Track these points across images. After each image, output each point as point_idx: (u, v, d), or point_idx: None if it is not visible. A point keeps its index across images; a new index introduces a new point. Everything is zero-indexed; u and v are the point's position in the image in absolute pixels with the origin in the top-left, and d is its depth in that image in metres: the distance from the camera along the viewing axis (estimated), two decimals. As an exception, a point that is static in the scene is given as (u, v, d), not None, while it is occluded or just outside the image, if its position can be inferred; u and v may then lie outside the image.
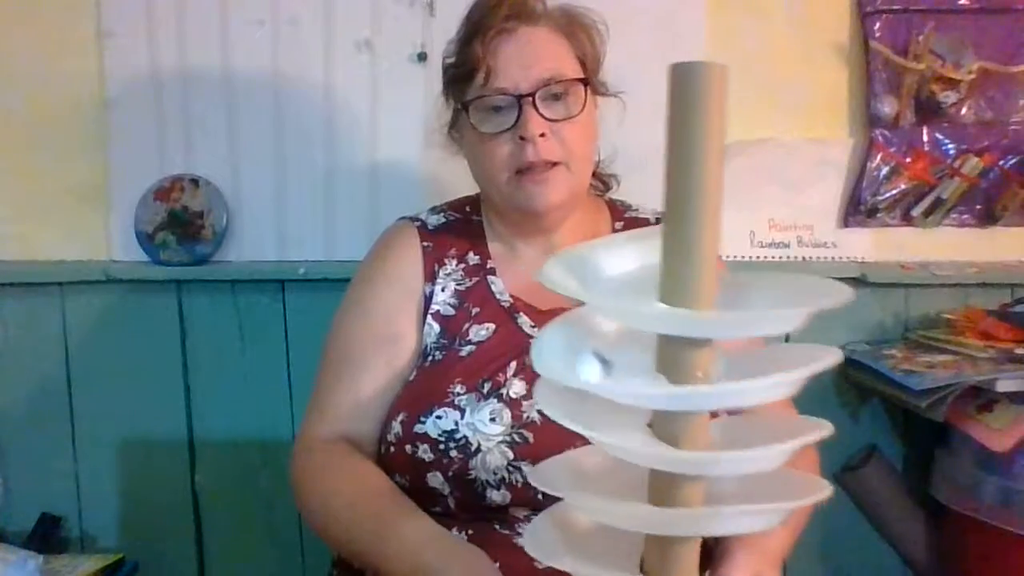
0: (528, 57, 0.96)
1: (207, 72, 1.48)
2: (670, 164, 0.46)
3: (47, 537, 1.49)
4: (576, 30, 1.01)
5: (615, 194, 1.16)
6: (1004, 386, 1.18)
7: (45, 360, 1.51)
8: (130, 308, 1.50)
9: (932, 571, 1.44)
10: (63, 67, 1.49)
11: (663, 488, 0.53)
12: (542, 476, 0.57)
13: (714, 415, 0.53)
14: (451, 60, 1.03)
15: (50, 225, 1.52)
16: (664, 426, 0.52)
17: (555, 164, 0.96)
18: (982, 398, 1.23)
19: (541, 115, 0.95)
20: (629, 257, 0.56)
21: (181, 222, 1.47)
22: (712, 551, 0.78)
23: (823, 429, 0.51)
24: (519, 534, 0.89)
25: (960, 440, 1.29)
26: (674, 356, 0.50)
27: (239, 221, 1.50)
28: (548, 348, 0.53)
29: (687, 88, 0.45)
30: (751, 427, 0.58)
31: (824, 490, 0.54)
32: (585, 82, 0.99)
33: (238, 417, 1.50)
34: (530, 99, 0.94)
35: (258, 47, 1.47)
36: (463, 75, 0.99)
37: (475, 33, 0.98)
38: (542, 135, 0.95)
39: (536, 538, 0.59)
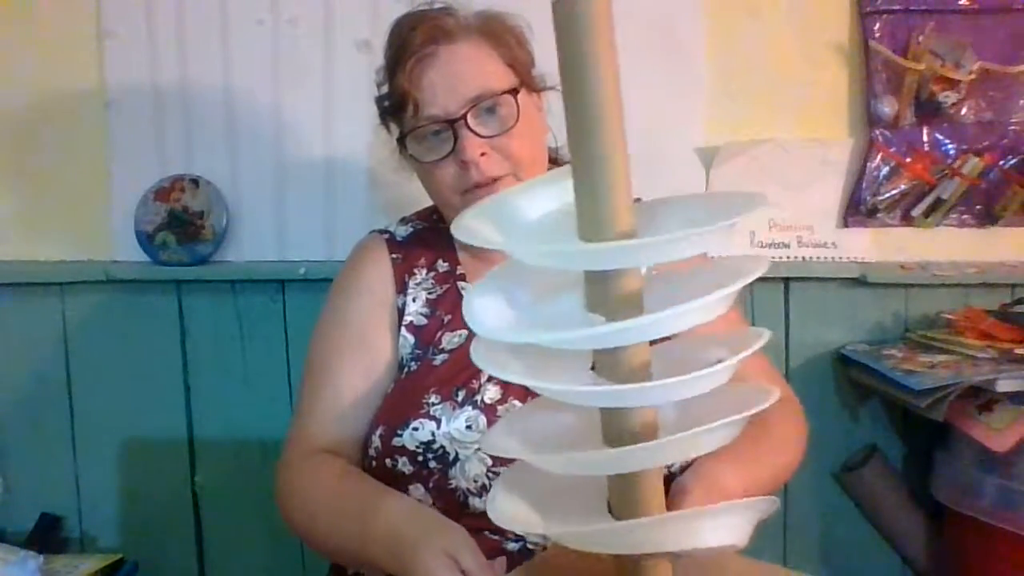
0: (452, 79, 0.94)
1: (207, 72, 1.48)
2: (568, 100, 0.46)
3: (47, 537, 1.49)
4: (499, 35, 0.99)
5: None
6: (1004, 386, 1.17)
7: (45, 360, 1.51)
8: (130, 308, 1.50)
9: (932, 571, 1.44)
10: (63, 67, 1.49)
11: (616, 425, 0.53)
12: (493, 444, 0.57)
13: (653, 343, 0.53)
14: (381, 92, 1.02)
15: (50, 225, 1.52)
16: (608, 364, 0.51)
17: (502, 177, 0.95)
18: (982, 398, 1.23)
19: (477, 134, 0.93)
20: (548, 199, 0.55)
21: (181, 222, 1.47)
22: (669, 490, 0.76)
23: (762, 336, 0.52)
24: (508, 539, 0.88)
25: (960, 440, 1.29)
26: (603, 291, 0.50)
27: (239, 221, 1.50)
28: (479, 304, 0.53)
29: (574, 20, 0.44)
30: (690, 347, 0.58)
31: (771, 395, 0.53)
32: (516, 90, 0.96)
33: (238, 417, 1.50)
34: (462, 122, 0.93)
35: (258, 47, 1.47)
36: (394, 107, 0.98)
37: (397, 64, 0.96)
38: (483, 154, 0.93)
39: (501, 511, 0.58)
